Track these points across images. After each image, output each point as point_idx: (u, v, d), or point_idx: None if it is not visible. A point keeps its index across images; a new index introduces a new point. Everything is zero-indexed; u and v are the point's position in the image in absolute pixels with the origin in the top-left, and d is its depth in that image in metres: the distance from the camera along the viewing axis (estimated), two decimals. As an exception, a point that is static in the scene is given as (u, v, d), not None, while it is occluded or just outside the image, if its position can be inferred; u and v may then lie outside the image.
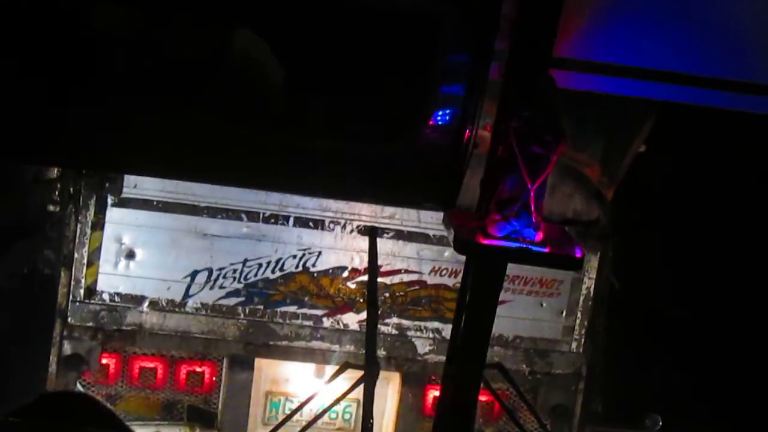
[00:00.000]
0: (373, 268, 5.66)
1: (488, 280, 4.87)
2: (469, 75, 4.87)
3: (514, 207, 4.49)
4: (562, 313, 7.61)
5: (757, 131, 6.22)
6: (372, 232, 5.72)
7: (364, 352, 7.30)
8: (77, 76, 4.90)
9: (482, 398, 7.53)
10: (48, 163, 6.59)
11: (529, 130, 4.43)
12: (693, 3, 5.04)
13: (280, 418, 7.66)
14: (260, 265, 7.22)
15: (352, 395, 7.63)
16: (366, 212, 7.24)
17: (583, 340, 7.67)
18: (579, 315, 7.62)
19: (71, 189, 7.04)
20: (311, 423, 5.86)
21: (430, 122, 5.04)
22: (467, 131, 4.94)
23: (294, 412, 6.03)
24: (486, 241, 4.57)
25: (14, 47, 4.78)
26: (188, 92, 4.96)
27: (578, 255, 4.65)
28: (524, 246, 4.54)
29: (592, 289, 7.58)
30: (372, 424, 5.30)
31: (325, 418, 7.67)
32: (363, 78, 4.91)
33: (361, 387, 5.51)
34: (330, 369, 7.47)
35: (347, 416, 7.79)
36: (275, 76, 5.01)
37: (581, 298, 7.59)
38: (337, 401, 5.69)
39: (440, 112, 5.03)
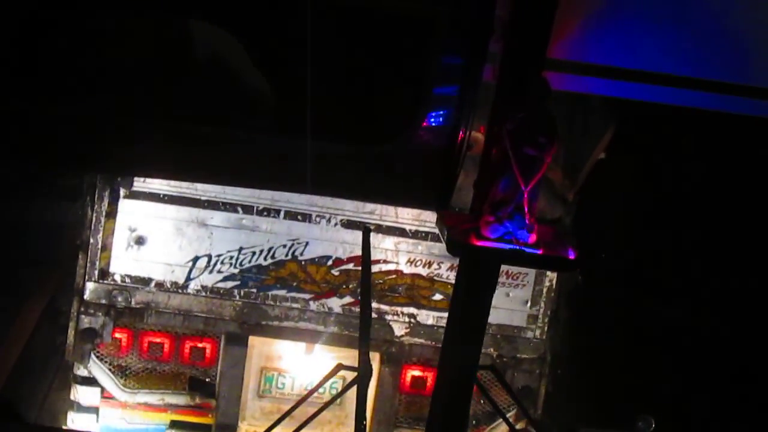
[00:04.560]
0: (366, 270, 5.73)
1: (481, 282, 4.86)
2: (463, 77, 4.83)
3: (507, 208, 4.51)
4: (526, 302, 8.31)
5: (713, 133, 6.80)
6: (366, 234, 5.74)
7: (346, 333, 8.15)
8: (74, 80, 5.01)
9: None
10: (50, 167, 7.01)
11: (522, 131, 4.44)
12: (686, 6, 5.08)
13: (273, 392, 8.50)
14: (254, 252, 8.01)
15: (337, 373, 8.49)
16: (349, 207, 7.99)
17: (546, 328, 8.38)
18: (542, 305, 8.32)
19: (88, 182, 7.85)
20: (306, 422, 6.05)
21: (424, 124, 5.01)
22: (461, 133, 4.92)
23: (290, 410, 6.25)
24: (479, 243, 4.58)
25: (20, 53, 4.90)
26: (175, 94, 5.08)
27: (571, 257, 4.64)
28: (518, 248, 4.55)
29: (554, 282, 8.27)
30: (365, 425, 5.39)
31: (315, 393, 8.51)
32: (357, 79, 4.93)
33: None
34: (319, 348, 8.28)
35: (334, 392, 8.48)
36: (249, 77, 5.05)
37: (545, 290, 8.29)
38: (330, 402, 6.05)
39: (434, 114, 5.00)
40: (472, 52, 4.77)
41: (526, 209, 4.49)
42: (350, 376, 8.44)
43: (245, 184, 7.32)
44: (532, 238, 4.55)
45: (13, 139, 5.13)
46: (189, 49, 5.04)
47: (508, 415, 8.50)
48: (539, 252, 4.57)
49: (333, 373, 5.80)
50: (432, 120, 5.01)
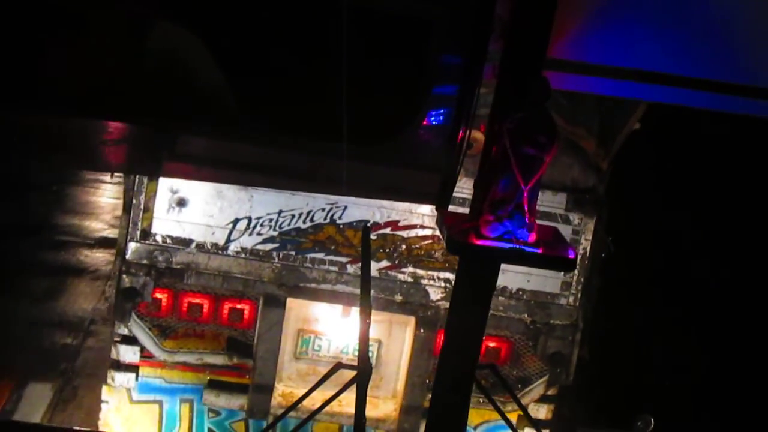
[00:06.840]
0: (366, 269, 5.48)
1: (481, 281, 4.87)
2: (463, 76, 4.81)
3: (507, 208, 4.53)
4: (560, 269, 8.39)
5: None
6: (365, 232, 5.78)
7: (382, 296, 8.27)
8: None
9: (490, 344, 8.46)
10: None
11: (522, 131, 4.45)
12: (686, 5, 5.08)
13: (310, 354, 8.66)
14: (293, 216, 8.15)
15: (373, 336, 8.63)
16: (387, 173, 8.11)
17: (579, 295, 8.48)
18: (576, 272, 8.40)
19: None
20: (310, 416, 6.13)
21: (424, 123, 5.02)
22: (461, 132, 4.87)
23: (291, 407, 6.48)
24: (479, 242, 4.60)
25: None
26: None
27: (571, 256, 4.70)
28: (517, 247, 4.57)
29: (588, 250, 8.37)
30: (365, 422, 5.27)
31: (349, 354, 8.67)
32: (359, 79, 4.78)
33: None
34: (355, 311, 8.36)
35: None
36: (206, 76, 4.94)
37: (578, 258, 8.34)
38: (328, 402, 5.92)
39: (434, 113, 5.01)
40: (472, 51, 4.77)
41: (525, 208, 4.53)
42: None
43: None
44: (532, 237, 4.59)
45: (14, 141, 5.17)
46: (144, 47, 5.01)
47: (540, 381, 8.73)
48: (539, 251, 4.63)
49: (332, 372, 5.77)
50: (432, 119, 5.03)
